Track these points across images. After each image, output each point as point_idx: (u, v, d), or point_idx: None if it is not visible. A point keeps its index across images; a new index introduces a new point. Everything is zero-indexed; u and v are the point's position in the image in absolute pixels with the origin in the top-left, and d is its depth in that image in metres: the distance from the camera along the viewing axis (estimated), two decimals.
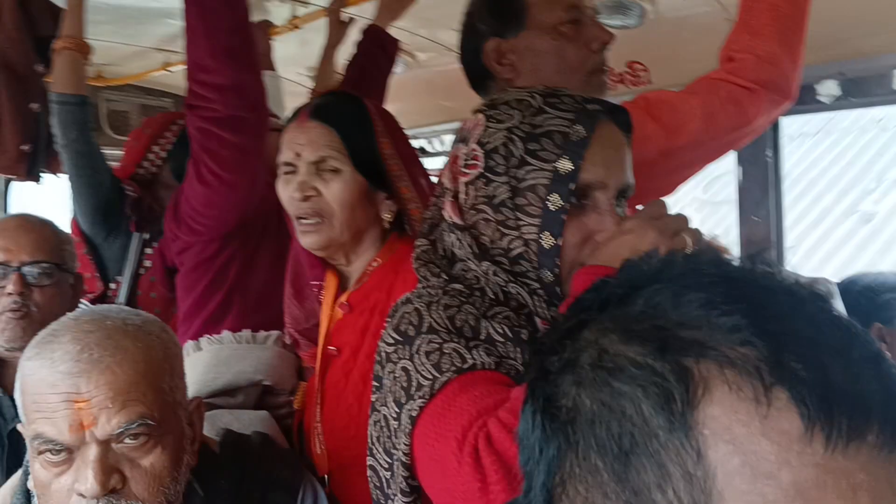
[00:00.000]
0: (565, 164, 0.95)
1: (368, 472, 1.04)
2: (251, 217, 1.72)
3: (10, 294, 1.52)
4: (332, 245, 1.40)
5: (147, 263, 2.11)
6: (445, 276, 1.03)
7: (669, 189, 1.58)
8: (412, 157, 1.49)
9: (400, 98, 2.75)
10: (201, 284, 1.73)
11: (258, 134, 1.64)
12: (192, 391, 1.20)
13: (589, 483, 0.45)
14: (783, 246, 2.10)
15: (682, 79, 1.49)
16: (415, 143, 3.12)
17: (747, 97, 1.39)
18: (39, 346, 1.04)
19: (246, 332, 1.50)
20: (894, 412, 0.41)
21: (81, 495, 0.98)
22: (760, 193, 2.08)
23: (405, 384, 0.94)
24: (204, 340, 1.49)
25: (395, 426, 0.95)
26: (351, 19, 2.20)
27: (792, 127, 7.05)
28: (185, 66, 1.61)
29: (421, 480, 0.95)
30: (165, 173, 2.22)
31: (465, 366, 0.92)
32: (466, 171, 1.03)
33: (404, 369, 0.96)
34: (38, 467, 1.03)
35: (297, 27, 2.36)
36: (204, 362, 1.44)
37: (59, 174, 2.19)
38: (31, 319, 1.51)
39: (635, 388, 0.43)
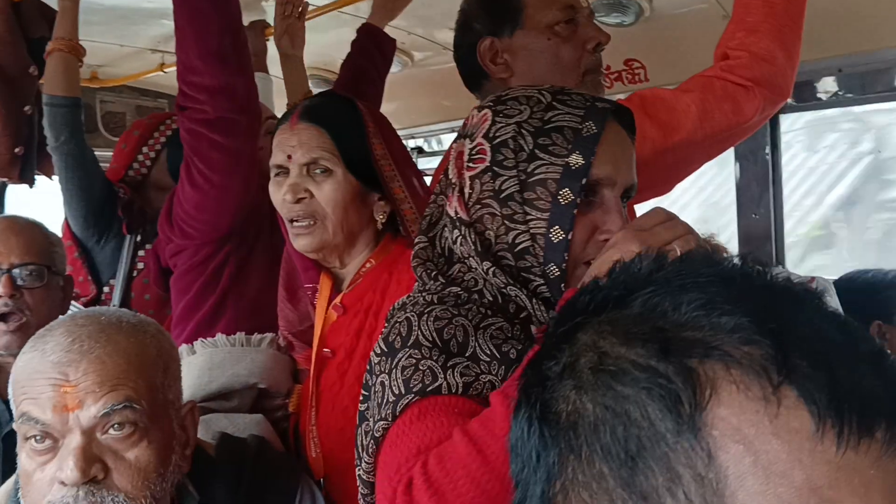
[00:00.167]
0: (577, 159, 0.95)
1: (358, 481, 1.03)
2: (245, 220, 1.71)
3: (0, 297, 1.51)
4: (325, 247, 1.39)
5: (140, 266, 2.10)
6: (442, 280, 1.02)
7: (667, 187, 1.57)
8: (405, 158, 1.48)
9: (397, 97, 2.74)
10: (195, 287, 1.72)
11: (249, 136, 1.63)
12: (186, 395, 1.20)
13: (594, 489, 0.44)
14: (783, 243, 2.09)
15: (680, 76, 1.49)
16: (412, 143, 3.12)
17: (743, 94, 1.38)
18: (34, 341, 1.06)
19: (240, 335, 1.50)
20: None
21: (63, 483, 0.98)
22: (759, 190, 2.07)
23: (380, 400, 0.95)
24: (198, 344, 1.48)
25: (365, 443, 0.96)
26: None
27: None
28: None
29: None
30: (156, 175, 2.21)
31: (431, 388, 0.91)
32: (472, 165, 1.02)
33: (382, 384, 0.96)
34: (24, 457, 1.03)
35: None
36: (198, 366, 1.43)
37: (52, 177, 2.18)
38: (27, 325, 1.50)
39: (640, 391, 0.42)
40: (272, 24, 2.38)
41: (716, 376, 0.41)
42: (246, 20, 2.24)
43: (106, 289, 2.11)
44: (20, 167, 2.18)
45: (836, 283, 1.66)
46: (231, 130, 1.58)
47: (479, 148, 1.01)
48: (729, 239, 2.29)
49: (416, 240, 1.09)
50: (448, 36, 1.60)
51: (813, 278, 1.47)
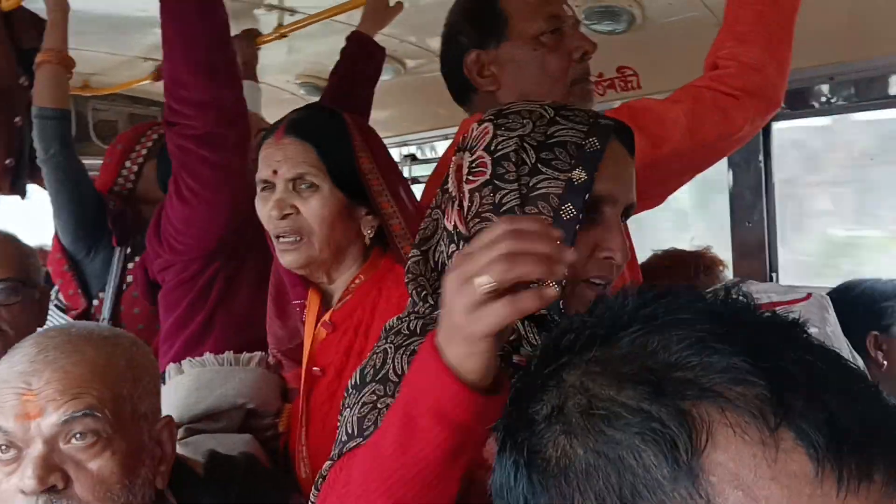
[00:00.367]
0: (580, 175, 0.93)
1: None
2: (233, 236, 1.69)
3: None
4: (312, 263, 1.37)
5: (129, 279, 2.09)
6: (431, 302, 1.00)
7: (659, 199, 1.56)
8: (393, 171, 1.46)
9: (390, 105, 2.74)
10: (184, 304, 1.71)
11: (238, 151, 1.62)
12: (174, 416, 1.19)
13: None
14: (776, 252, 2.07)
15: (672, 84, 1.48)
16: (405, 150, 3.11)
17: (732, 105, 1.36)
18: (7, 355, 1.06)
19: (228, 354, 1.48)
20: None
21: (23, 492, 0.97)
22: (753, 199, 2.06)
23: (339, 435, 0.93)
24: (186, 363, 1.46)
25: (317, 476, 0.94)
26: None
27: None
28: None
29: None
30: (143, 186, 2.19)
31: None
32: (472, 178, 1.00)
33: (344, 417, 0.94)
34: None
35: (284, 35, 2.35)
36: (185, 386, 1.42)
37: (45, 187, 2.17)
38: (5, 340, 1.48)
39: (633, 436, 0.41)
40: (263, 32, 2.37)
41: (711, 419, 0.40)
42: (237, 29, 2.24)
43: (95, 301, 2.09)
44: (11, 178, 2.17)
45: (831, 294, 1.64)
46: (219, 145, 1.57)
47: (479, 161, 0.99)
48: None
49: (410, 253, 1.07)
50: (440, 43, 1.59)
51: (809, 294, 1.45)
